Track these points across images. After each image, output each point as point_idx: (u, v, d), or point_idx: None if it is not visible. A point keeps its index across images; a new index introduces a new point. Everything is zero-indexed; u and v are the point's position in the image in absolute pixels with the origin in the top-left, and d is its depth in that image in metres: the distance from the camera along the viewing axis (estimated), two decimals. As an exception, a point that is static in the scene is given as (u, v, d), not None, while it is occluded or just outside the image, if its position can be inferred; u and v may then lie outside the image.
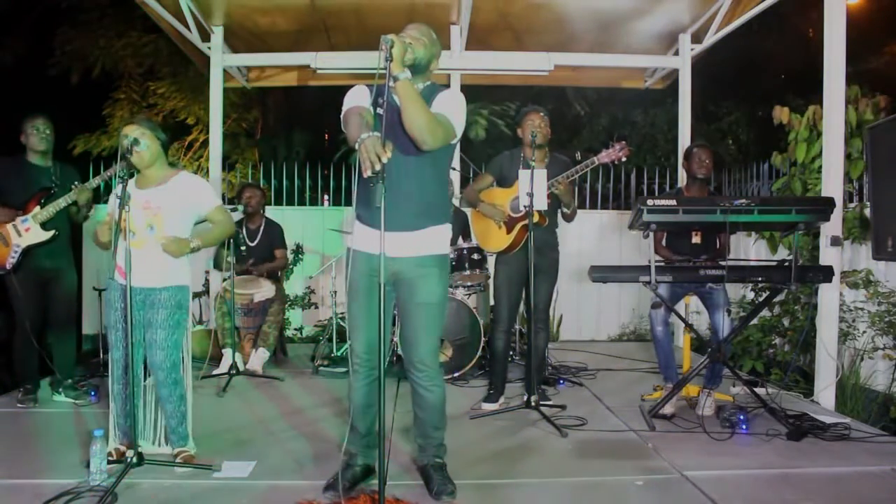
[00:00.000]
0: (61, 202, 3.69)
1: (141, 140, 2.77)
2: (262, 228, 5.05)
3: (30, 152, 3.84)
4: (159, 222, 2.79)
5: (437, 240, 2.57)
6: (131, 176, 2.80)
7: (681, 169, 4.64)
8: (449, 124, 2.45)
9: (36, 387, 3.87)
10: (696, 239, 3.89)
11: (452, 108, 2.50)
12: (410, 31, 2.53)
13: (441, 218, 2.59)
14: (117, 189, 2.56)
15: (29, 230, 3.71)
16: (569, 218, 3.89)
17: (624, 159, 3.72)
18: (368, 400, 2.59)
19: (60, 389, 3.90)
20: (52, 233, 3.75)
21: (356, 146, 2.23)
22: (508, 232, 3.80)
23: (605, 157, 3.70)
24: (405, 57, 2.30)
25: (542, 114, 3.78)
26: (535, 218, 3.57)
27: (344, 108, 2.52)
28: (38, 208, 3.72)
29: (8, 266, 3.68)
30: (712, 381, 3.70)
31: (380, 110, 2.39)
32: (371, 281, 2.43)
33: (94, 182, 3.71)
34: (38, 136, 3.79)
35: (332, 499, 2.48)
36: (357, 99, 2.51)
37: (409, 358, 2.61)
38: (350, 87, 2.61)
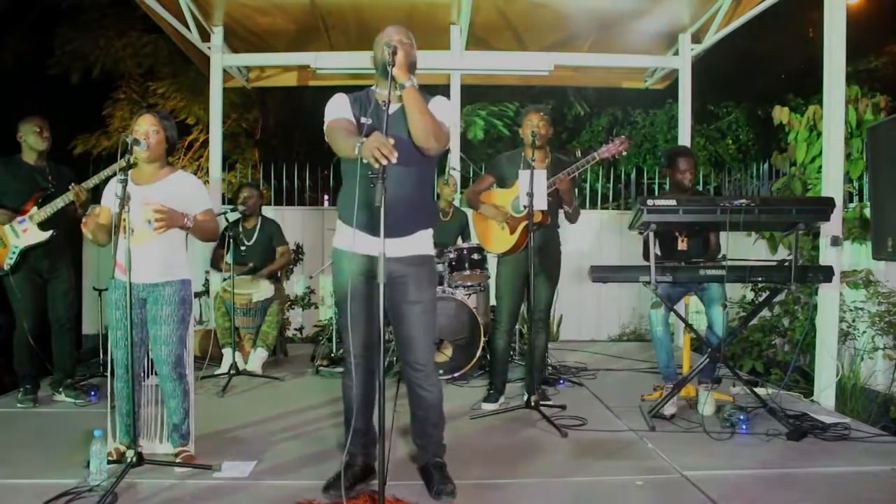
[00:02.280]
0: (58, 202, 3.69)
1: (148, 138, 2.77)
2: (258, 228, 5.04)
3: (26, 152, 3.83)
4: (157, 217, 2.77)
5: (423, 242, 2.62)
6: (133, 166, 2.78)
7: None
8: (447, 130, 2.52)
9: (36, 387, 3.87)
10: (682, 245, 3.89)
11: (446, 115, 2.55)
12: (395, 35, 2.51)
13: (428, 223, 2.64)
14: (117, 189, 2.56)
15: (27, 231, 3.71)
16: (571, 218, 3.87)
17: (624, 153, 3.71)
18: (368, 399, 2.60)
19: (61, 389, 3.90)
20: (50, 233, 3.75)
21: (355, 151, 2.23)
22: (512, 233, 3.79)
23: (605, 151, 3.69)
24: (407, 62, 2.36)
25: (542, 114, 3.78)
26: (538, 217, 3.57)
27: (327, 121, 2.54)
28: (35, 209, 3.72)
29: (6, 267, 3.69)
30: (706, 375, 3.68)
31: (365, 120, 2.44)
32: (365, 281, 2.49)
33: (92, 181, 3.68)
34: (39, 137, 3.78)
35: (332, 498, 2.48)
36: (338, 110, 2.53)
37: (406, 358, 2.63)
38: (350, 87, 2.62)
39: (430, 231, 2.65)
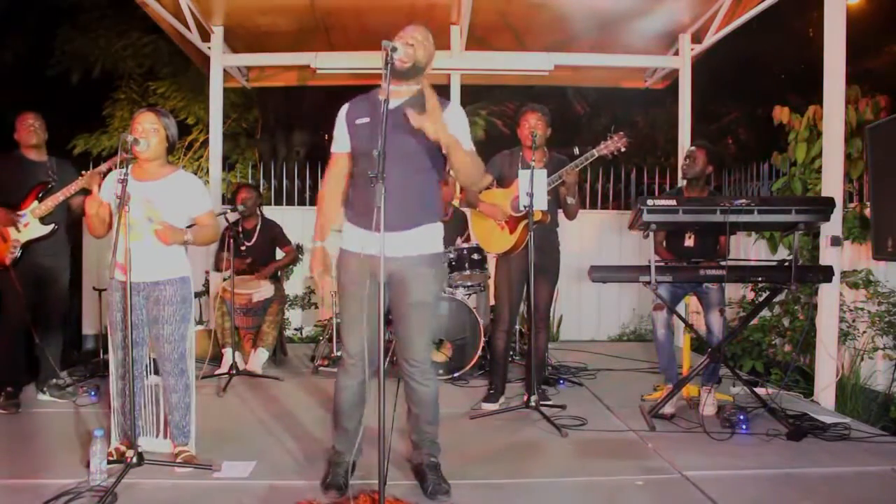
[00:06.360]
0: (59, 196, 3.68)
1: (147, 137, 2.76)
2: (258, 228, 5.04)
3: (23, 147, 3.81)
4: (158, 216, 2.78)
5: (430, 238, 2.58)
6: (133, 161, 2.77)
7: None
8: (476, 154, 2.57)
9: (18, 390, 3.71)
10: (688, 242, 3.88)
11: (466, 130, 2.58)
12: (413, 33, 2.53)
13: (432, 216, 2.61)
14: (116, 188, 2.56)
15: (28, 225, 3.70)
16: (571, 213, 3.86)
17: (623, 150, 3.69)
18: (359, 399, 2.60)
19: (45, 389, 3.84)
20: (51, 227, 3.74)
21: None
22: (511, 232, 3.79)
23: (603, 148, 3.68)
24: (413, 54, 2.43)
25: (539, 113, 3.77)
26: (538, 216, 3.56)
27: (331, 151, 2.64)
28: (35, 203, 3.71)
29: (8, 262, 3.67)
30: (711, 378, 3.70)
31: (361, 120, 2.50)
32: (365, 281, 2.48)
33: (104, 167, 3.59)
34: (29, 131, 3.75)
35: (334, 498, 2.48)
36: (337, 142, 2.63)
37: (403, 355, 2.64)
38: (350, 87, 2.63)
39: (438, 226, 2.62)
